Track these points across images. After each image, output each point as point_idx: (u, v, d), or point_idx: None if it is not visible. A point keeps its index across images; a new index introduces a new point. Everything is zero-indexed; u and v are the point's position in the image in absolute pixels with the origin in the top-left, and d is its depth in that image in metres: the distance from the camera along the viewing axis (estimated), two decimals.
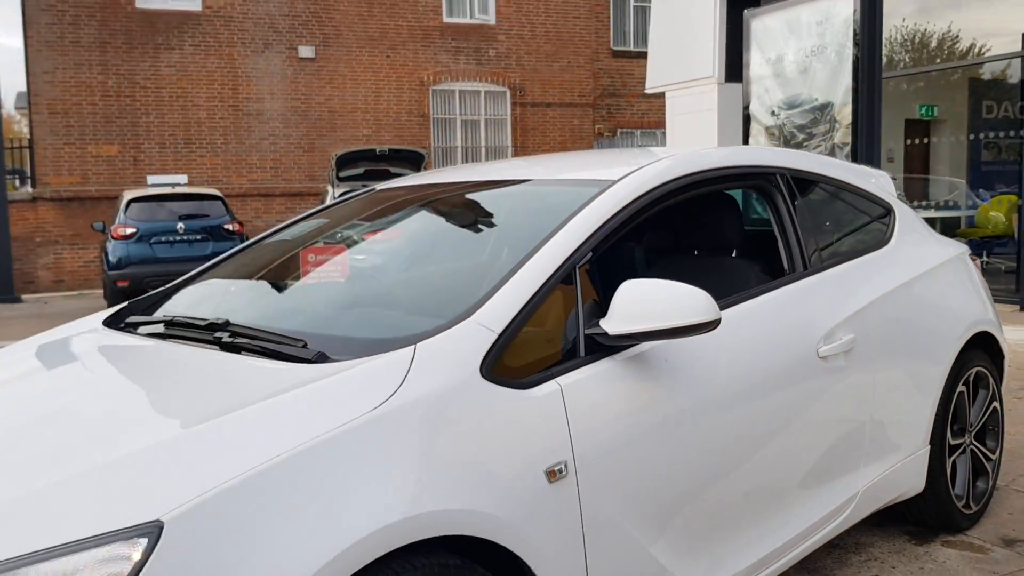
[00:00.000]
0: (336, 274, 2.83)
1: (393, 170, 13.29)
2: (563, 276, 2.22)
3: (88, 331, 2.77)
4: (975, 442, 3.59)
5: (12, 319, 11.59)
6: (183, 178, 15.63)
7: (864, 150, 7.43)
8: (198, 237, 11.47)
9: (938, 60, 10.97)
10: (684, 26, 12.21)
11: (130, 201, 11.64)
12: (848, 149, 7.82)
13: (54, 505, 1.63)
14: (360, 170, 13.04)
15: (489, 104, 18.98)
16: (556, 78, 19.32)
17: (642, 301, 2.15)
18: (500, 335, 2.03)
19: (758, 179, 3.04)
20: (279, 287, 3.05)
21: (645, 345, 2.25)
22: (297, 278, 3.00)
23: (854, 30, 7.59)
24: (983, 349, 3.62)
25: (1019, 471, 4.17)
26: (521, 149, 19.00)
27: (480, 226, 2.99)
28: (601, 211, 2.40)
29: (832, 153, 7.88)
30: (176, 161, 16.41)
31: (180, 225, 11.40)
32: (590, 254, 2.32)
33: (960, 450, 3.52)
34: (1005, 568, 3.21)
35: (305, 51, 17.28)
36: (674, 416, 2.30)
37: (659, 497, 2.26)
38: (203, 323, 2.42)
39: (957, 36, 10.55)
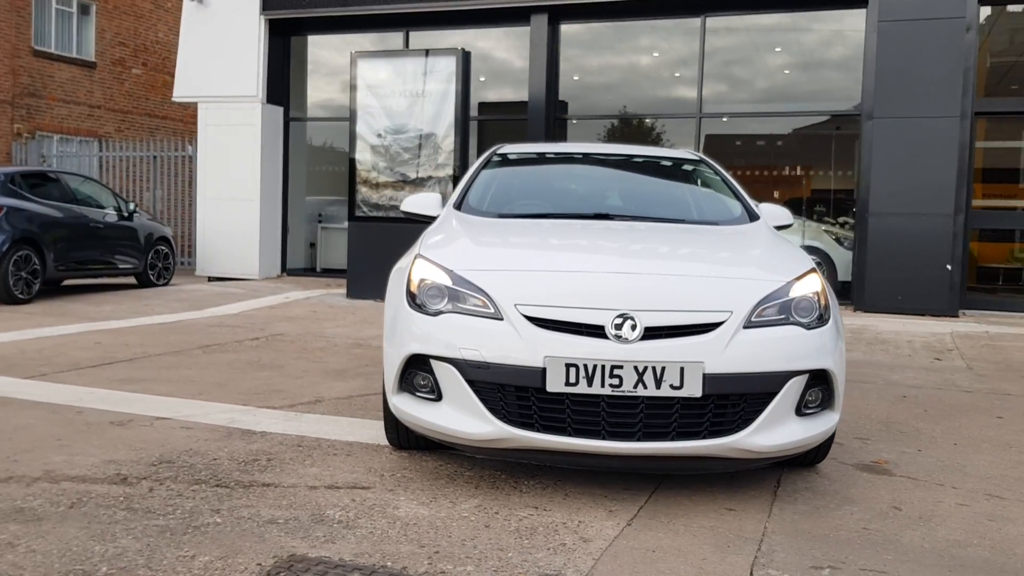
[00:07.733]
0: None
1: None
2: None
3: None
4: None
5: None
6: None
7: (463, 170, 10.03)
8: None
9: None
10: (221, 43, 13.08)
11: None
12: (450, 168, 10.32)
13: (752, 276, 3.44)
14: None
15: None
16: None
17: (772, 211, 4.61)
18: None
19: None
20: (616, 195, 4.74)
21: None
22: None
23: (456, 84, 10.17)
24: None
25: None
26: None
27: (677, 177, 5.04)
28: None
29: (435, 172, 10.31)
30: None
31: None
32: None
33: None
34: None
35: None
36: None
37: None
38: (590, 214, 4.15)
39: None
